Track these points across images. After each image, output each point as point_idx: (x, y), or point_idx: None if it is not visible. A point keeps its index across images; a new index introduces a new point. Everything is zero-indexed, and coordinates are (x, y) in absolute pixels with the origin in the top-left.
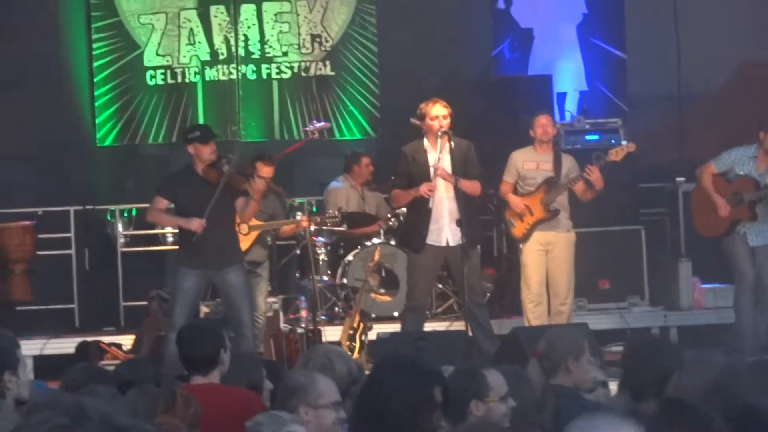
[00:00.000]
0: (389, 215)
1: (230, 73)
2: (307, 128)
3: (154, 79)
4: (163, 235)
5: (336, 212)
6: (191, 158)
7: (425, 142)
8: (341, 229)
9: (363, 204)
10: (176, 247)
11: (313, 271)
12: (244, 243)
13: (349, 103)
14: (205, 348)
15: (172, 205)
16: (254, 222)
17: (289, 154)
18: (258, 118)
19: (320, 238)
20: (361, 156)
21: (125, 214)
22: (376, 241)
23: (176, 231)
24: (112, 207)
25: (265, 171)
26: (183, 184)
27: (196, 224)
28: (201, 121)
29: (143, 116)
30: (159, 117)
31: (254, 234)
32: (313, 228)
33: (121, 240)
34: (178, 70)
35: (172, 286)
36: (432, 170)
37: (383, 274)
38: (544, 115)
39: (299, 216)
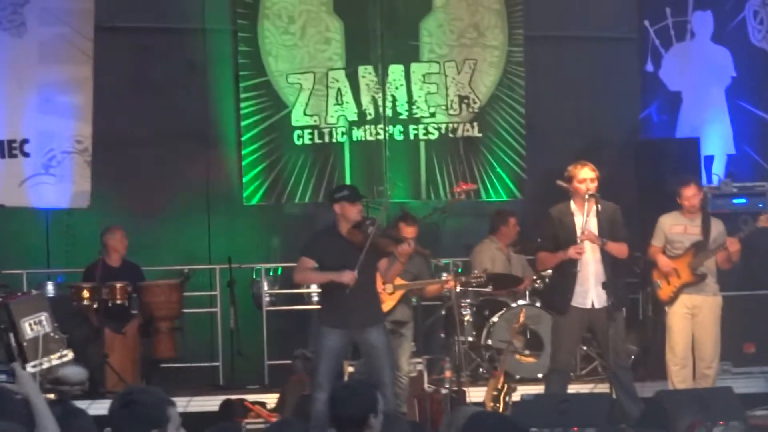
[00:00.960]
0: (534, 277)
1: (377, 133)
2: (455, 189)
3: (301, 139)
4: (308, 294)
5: (482, 273)
6: (335, 218)
7: (572, 204)
8: (487, 290)
9: (509, 265)
10: (320, 307)
11: (458, 332)
12: (389, 302)
13: (495, 165)
14: (356, 410)
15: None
16: (399, 281)
17: (435, 216)
18: (405, 179)
19: (466, 300)
20: (509, 216)
21: (271, 273)
22: (521, 302)
23: (320, 291)
24: (258, 266)
25: (408, 231)
26: (327, 246)
27: (348, 277)
28: (348, 180)
29: (290, 175)
30: (305, 176)
31: (399, 293)
32: (458, 289)
33: (266, 299)
34: (326, 130)
35: (316, 346)
36: (579, 233)
37: (528, 336)
38: (691, 186)
39: (444, 276)
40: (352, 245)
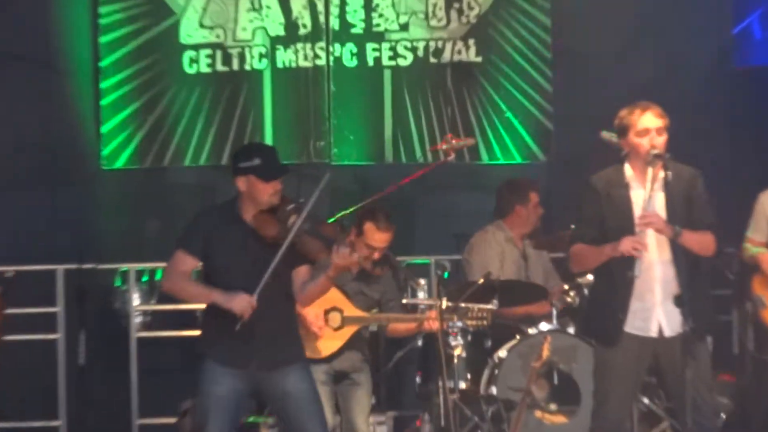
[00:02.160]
0: (566, 287)
1: (316, 56)
2: (439, 146)
3: (195, 65)
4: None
5: (482, 280)
6: (238, 194)
7: (627, 170)
8: (489, 307)
9: (525, 268)
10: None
11: (443, 375)
12: (331, 343)
13: (504, 107)
14: None
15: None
16: (351, 311)
17: (407, 188)
18: (359, 129)
19: (456, 323)
20: (528, 190)
21: (145, 279)
22: (544, 327)
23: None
24: (124, 266)
25: (378, 239)
26: (221, 235)
27: (240, 304)
28: (269, 131)
29: (176, 124)
30: (202, 124)
31: (349, 331)
32: (447, 317)
33: (138, 319)
34: (234, 51)
35: (199, 393)
36: (639, 216)
37: (555, 381)
38: None
39: (421, 300)
40: (262, 241)
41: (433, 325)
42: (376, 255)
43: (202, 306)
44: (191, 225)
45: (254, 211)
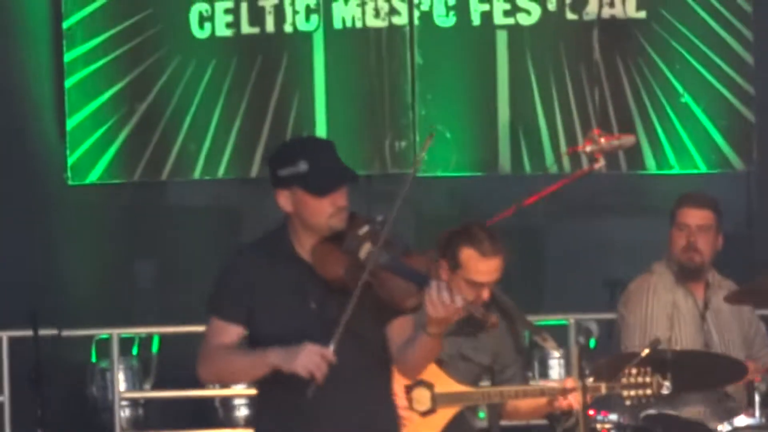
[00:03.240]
0: None
1: (393, 11)
2: (581, 147)
3: (208, 25)
4: (226, 401)
5: (647, 351)
6: (286, 218)
7: None
8: (660, 390)
9: (704, 328)
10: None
11: None
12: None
13: (681, 89)
14: None
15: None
16: (446, 386)
17: (531, 213)
18: (459, 123)
19: (610, 416)
20: (681, 204)
21: (135, 351)
22: (741, 422)
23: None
24: (103, 333)
25: (484, 270)
26: (268, 285)
27: (308, 359)
28: (321, 126)
29: (181, 116)
30: (220, 118)
31: (445, 418)
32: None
33: (126, 413)
34: (268, 4)
35: None
36: None
37: None
38: None
39: (555, 367)
40: (326, 284)
41: (573, 401)
42: (485, 295)
43: (222, 392)
44: (225, 278)
45: (312, 240)
